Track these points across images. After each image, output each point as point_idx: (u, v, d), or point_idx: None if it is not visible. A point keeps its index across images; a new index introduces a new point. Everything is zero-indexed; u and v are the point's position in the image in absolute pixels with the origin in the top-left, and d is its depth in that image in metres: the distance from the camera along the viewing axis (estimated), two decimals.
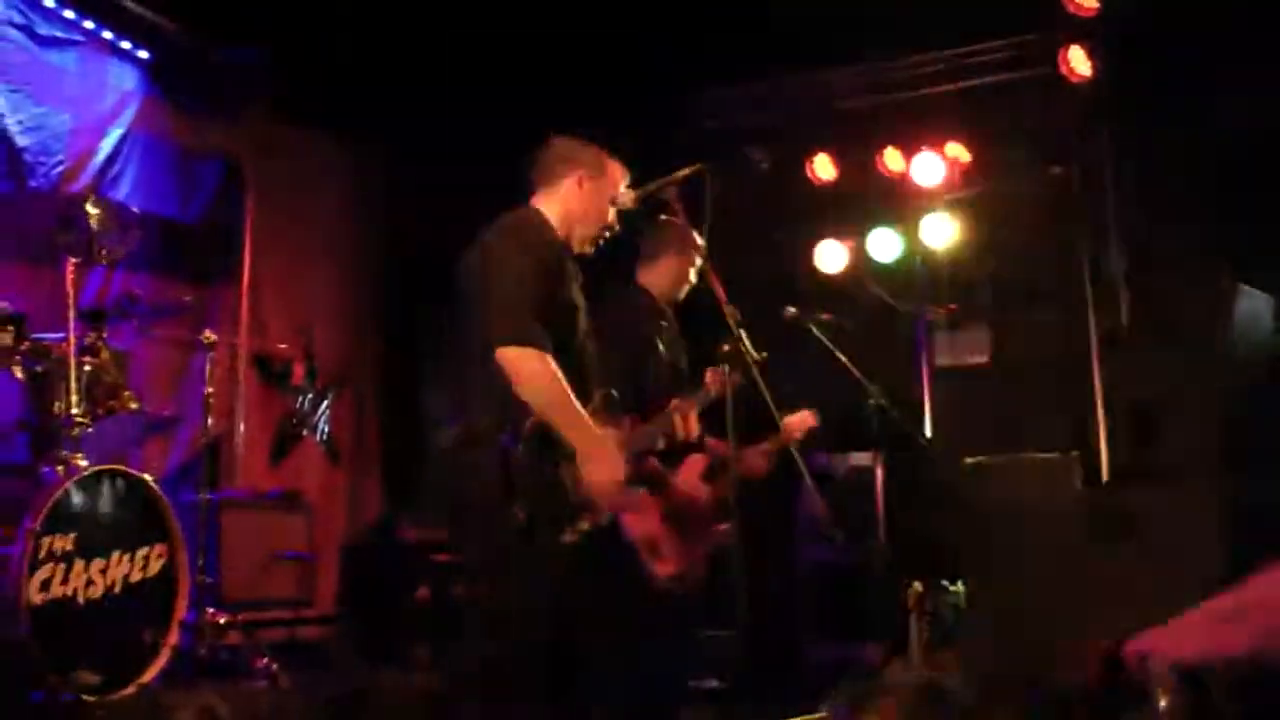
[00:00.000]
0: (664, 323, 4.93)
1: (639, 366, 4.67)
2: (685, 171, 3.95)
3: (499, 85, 7.08)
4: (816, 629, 7.20)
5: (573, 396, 3.60)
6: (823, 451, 7.20)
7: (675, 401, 4.46)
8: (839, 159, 8.00)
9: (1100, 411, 7.13)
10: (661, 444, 4.48)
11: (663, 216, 4.63)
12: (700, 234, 4.20)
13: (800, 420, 5.12)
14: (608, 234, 4.02)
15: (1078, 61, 7.05)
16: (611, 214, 3.99)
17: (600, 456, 3.63)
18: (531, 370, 3.54)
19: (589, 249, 3.99)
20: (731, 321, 3.90)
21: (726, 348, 4.04)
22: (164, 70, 6.96)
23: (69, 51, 6.52)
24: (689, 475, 4.84)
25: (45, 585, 4.51)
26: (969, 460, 6.96)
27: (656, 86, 7.38)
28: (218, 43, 7.07)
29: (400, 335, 8.30)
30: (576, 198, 3.94)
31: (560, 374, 3.58)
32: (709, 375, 4.68)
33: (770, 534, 6.85)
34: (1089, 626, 5.81)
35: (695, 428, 4.51)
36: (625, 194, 3.97)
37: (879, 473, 7.26)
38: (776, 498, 6.76)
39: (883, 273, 7.87)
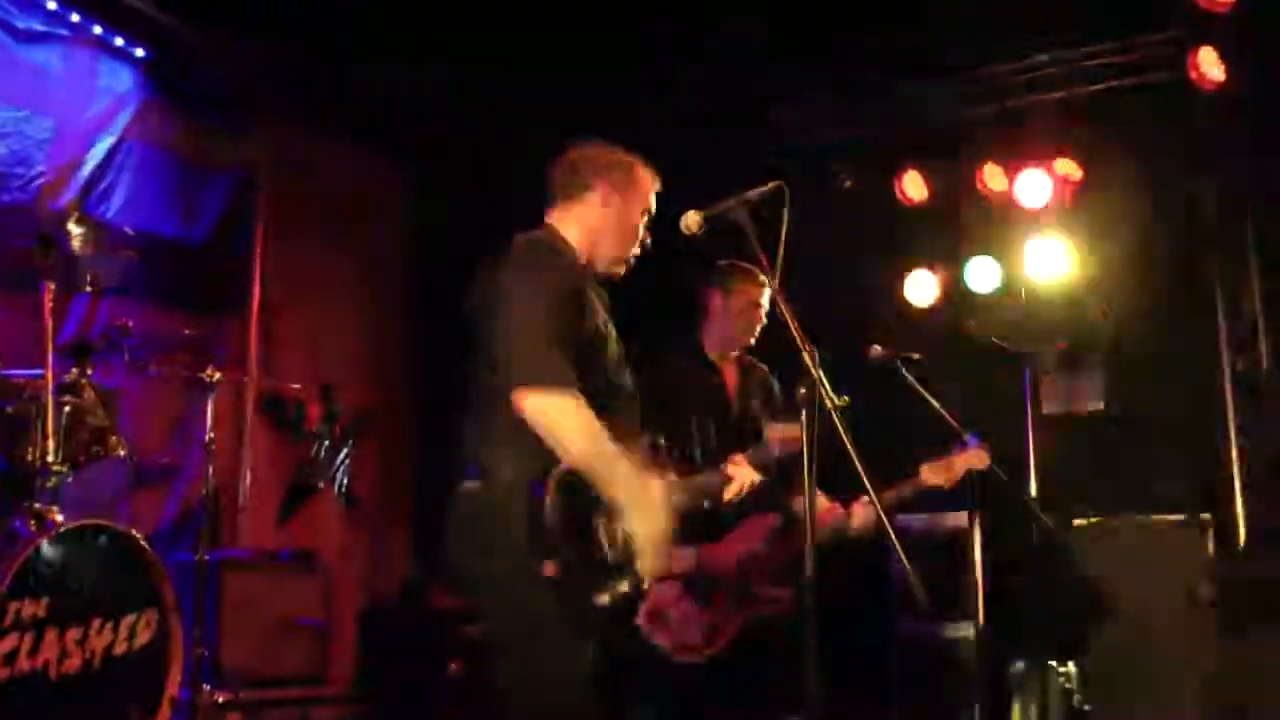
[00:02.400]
0: (714, 381, 5.12)
1: (676, 434, 4.72)
2: (760, 190, 3.83)
3: (553, 98, 6.99)
4: (907, 713, 7.15)
5: (609, 440, 3.57)
6: (913, 512, 7.12)
7: (734, 458, 4.35)
8: (932, 177, 7.96)
9: (1235, 467, 7.00)
10: (707, 504, 4.40)
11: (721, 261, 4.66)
12: (775, 260, 4.06)
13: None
14: (637, 253, 4.01)
15: (1209, 65, 6.93)
16: (642, 230, 3.98)
17: (646, 505, 3.61)
18: (558, 415, 3.51)
19: (618, 270, 3.98)
20: (809, 361, 3.74)
21: (803, 391, 3.89)
22: (165, 70, 6.94)
23: (53, 48, 6.50)
24: (744, 535, 4.97)
25: (10, 658, 4.42)
26: (1081, 522, 6.91)
27: (730, 98, 7.34)
28: (227, 39, 7.04)
29: (432, 374, 8.21)
30: (600, 214, 3.92)
31: (593, 415, 3.55)
32: (770, 431, 4.78)
33: (855, 606, 6.74)
34: (1222, 715, 5.63)
35: (746, 486, 4.44)
36: (692, 217, 3.89)
37: (977, 536, 7.20)
38: (862, 565, 6.66)
39: (981, 306, 7.79)
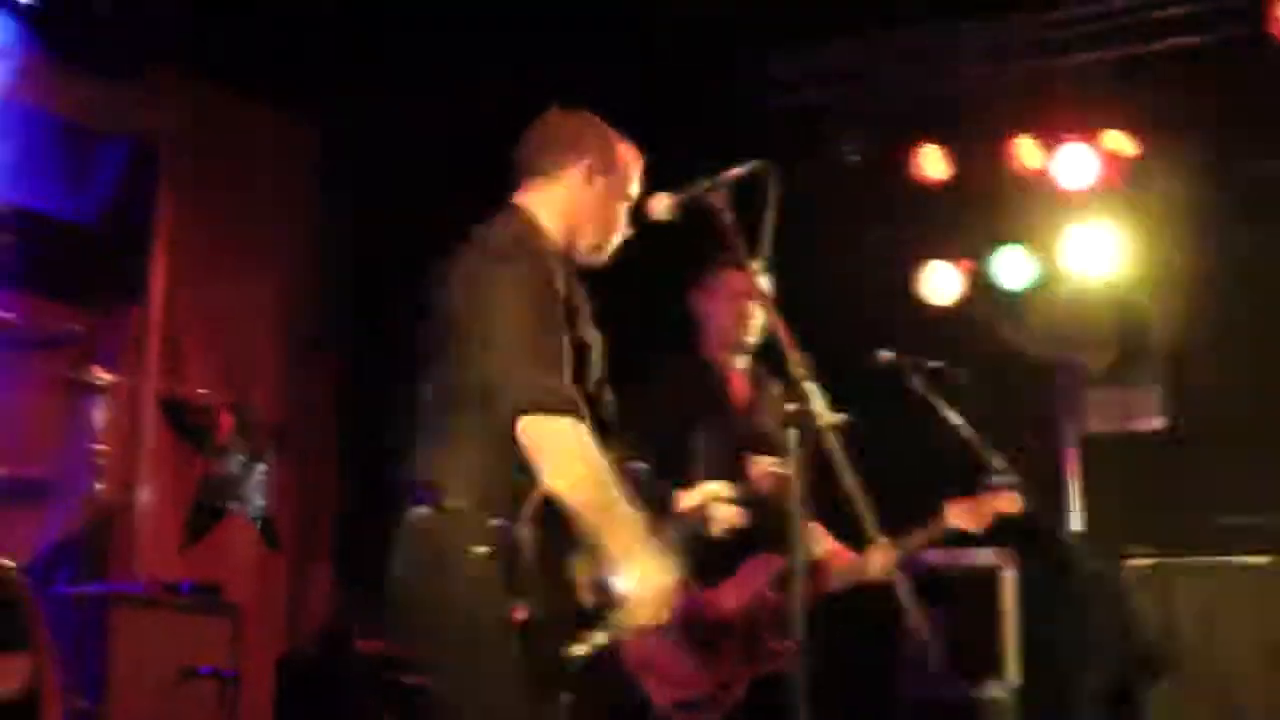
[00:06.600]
0: (718, 390, 5.33)
1: (673, 456, 4.80)
2: (740, 170, 3.88)
3: (504, 52, 7.05)
4: None
5: (612, 478, 3.62)
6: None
7: (709, 488, 4.46)
8: (955, 151, 7.96)
9: None
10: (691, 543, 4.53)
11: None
12: (761, 252, 4.17)
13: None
14: (618, 241, 4.07)
15: None
16: (624, 216, 4.04)
17: (649, 557, 3.64)
18: (563, 444, 3.56)
19: (598, 260, 4.04)
20: (798, 372, 3.81)
21: (792, 408, 3.97)
22: (52, 20, 6.84)
23: None
24: (747, 579, 5.13)
25: None
26: (1135, 563, 6.87)
27: (703, 53, 7.31)
28: None
29: (365, 381, 8.25)
30: (581, 196, 3.96)
31: (597, 448, 3.60)
32: (754, 467, 4.95)
33: (858, 661, 6.76)
34: None
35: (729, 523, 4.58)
36: (660, 201, 3.95)
37: (1008, 577, 7.20)
38: (866, 613, 6.69)
39: (1013, 305, 7.85)
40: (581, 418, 3.58)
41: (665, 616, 3.69)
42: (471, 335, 3.67)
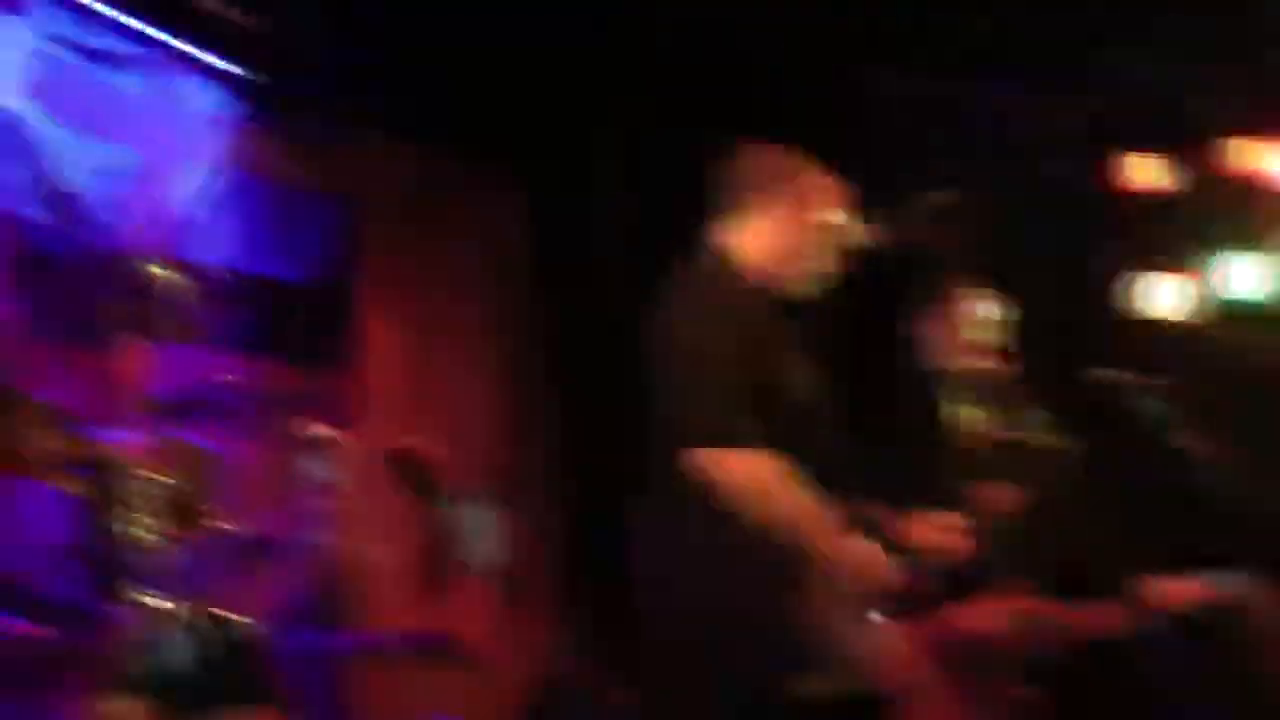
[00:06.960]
0: (941, 406, 5.12)
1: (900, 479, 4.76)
2: (941, 198, 3.86)
3: (709, 93, 7.10)
4: None
5: (806, 498, 3.62)
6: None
7: (939, 518, 4.43)
8: (1169, 158, 7.81)
9: None
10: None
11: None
12: (972, 276, 4.13)
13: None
14: (833, 270, 4.07)
15: None
16: (835, 245, 4.06)
17: (857, 561, 3.72)
18: (742, 477, 3.60)
19: (807, 291, 4.04)
20: (1018, 397, 3.76)
21: (1012, 434, 3.92)
22: (263, 88, 7.09)
23: (132, 69, 6.58)
24: (981, 614, 5.02)
25: None
26: None
27: (895, 77, 7.29)
28: (329, 50, 7.18)
29: (585, 427, 8.34)
30: (783, 229, 3.99)
31: (786, 471, 3.61)
32: (982, 496, 4.78)
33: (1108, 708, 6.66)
34: None
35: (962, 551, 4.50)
36: (862, 229, 3.93)
37: (1264, 606, 6.94)
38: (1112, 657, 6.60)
39: (1242, 315, 7.68)
40: (762, 449, 3.59)
41: (888, 586, 3.78)
42: (664, 374, 3.72)
